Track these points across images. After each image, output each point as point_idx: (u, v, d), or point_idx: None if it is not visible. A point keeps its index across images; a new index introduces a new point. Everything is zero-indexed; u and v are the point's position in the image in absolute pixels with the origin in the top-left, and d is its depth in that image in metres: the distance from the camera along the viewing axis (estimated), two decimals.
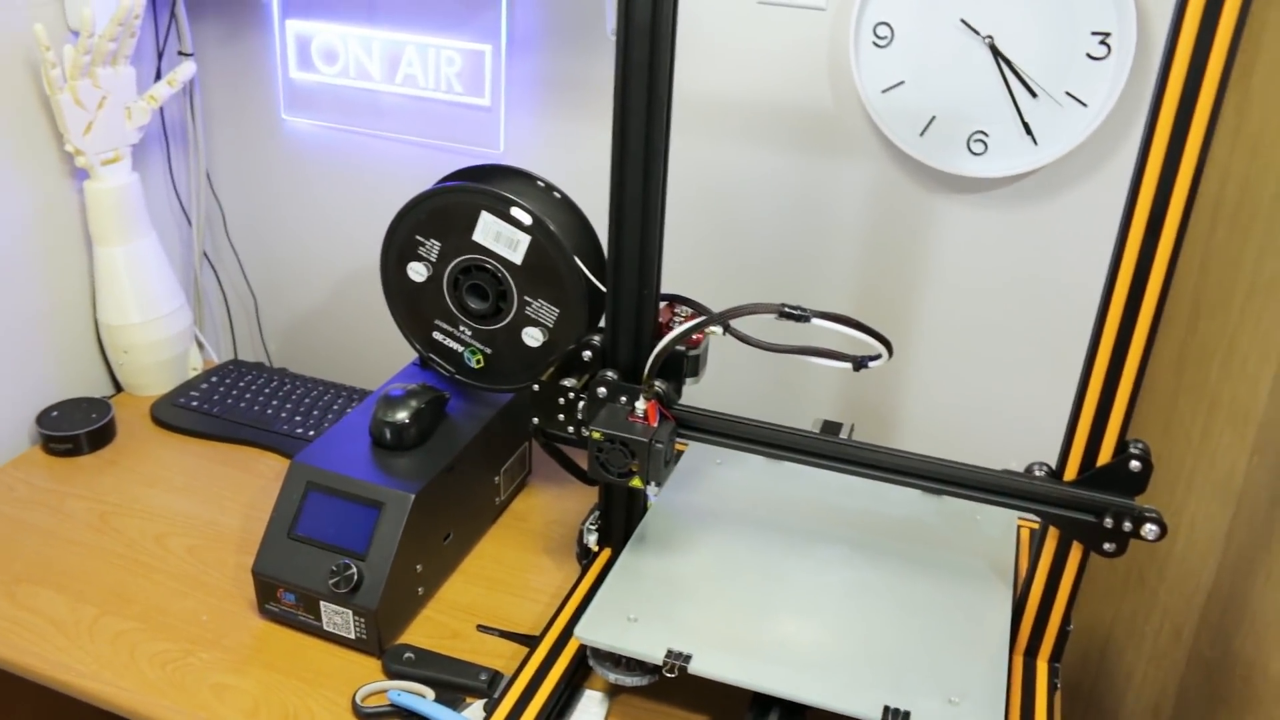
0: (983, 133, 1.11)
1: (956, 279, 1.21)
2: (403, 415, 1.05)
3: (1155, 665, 1.22)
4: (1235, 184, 1.07)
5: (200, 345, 1.45)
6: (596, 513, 1.06)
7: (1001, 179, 1.14)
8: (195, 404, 1.35)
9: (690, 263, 1.30)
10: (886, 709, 0.83)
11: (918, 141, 1.13)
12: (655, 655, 0.87)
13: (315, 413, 1.33)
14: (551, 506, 1.22)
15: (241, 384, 1.39)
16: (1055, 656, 0.98)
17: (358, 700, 0.94)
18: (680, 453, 1.16)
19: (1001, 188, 1.14)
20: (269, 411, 1.34)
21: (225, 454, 1.29)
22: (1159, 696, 1.21)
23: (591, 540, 1.06)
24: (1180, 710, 1.17)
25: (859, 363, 0.90)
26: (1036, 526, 0.95)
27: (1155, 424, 1.19)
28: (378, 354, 1.52)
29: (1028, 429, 1.25)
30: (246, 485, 1.23)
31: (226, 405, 1.35)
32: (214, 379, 1.40)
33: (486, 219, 1.03)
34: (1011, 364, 1.23)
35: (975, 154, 1.12)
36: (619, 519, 1.04)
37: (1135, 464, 0.87)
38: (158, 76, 1.38)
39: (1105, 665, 1.31)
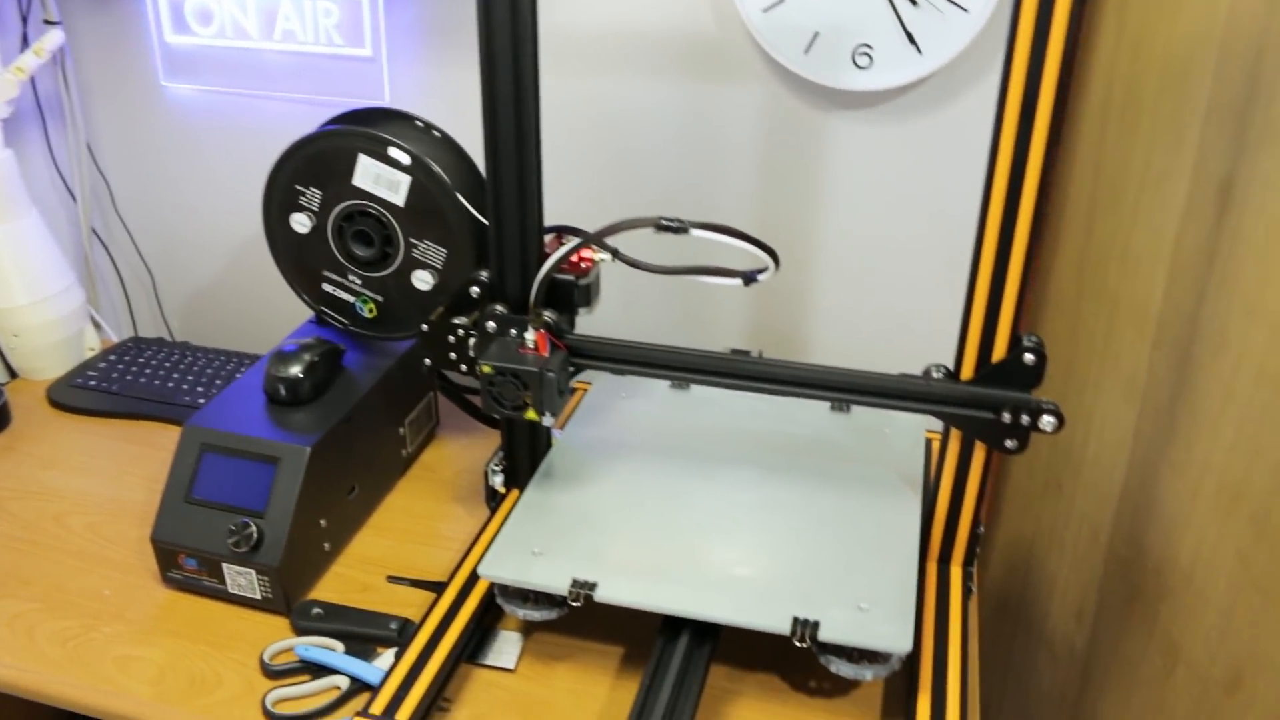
0: (867, 45, 1.10)
1: (852, 195, 1.20)
2: (296, 369, 1.03)
3: (1075, 571, 1.23)
4: (1121, 84, 1.07)
5: (97, 325, 1.41)
6: (501, 454, 1.04)
7: (889, 91, 1.13)
8: (94, 383, 1.31)
9: (585, 197, 1.28)
10: (795, 620, 0.82)
11: (803, 59, 1.12)
12: (560, 586, 0.86)
13: (219, 382, 1.30)
14: (461, 456, 1.20)
15: (141, 360, 1.35)
16: (968, 560, 0.99)
17: (265, 659, 0.92)
18: (585, 392, 1.14)
19: (890, 100, 1.14)
20: (170, 385, 1.30)
21: (126, 431, 1.25)
22: (1081, 601, 1.23)
23: (497, 482, 1.04)
24: (1101, 611, 1.19)
25: (748, 277, 0.89)
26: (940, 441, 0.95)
27: (1061, 331, 1.20)
28: (283, 320, 1.49)
29: (934, 341, 1.25)
30: (149, 459, 1.20)
31: (126, 382, 1.31)
32: (112, 357, 1.36)
33: (365, 162, 1.00)
34: (913, 276, 1.23)
35: (861, 68, 1.11)
36: (523, 458, 1.02)
37: (1029, 357, 0.87)
38: (24, 46, 1.33)
39: (1030, 577, 1.32)
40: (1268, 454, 0.92)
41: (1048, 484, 1.27)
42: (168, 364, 1.34)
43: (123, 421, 1.27)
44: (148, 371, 1.33)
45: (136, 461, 1.19)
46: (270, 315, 1.50)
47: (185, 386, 1.30)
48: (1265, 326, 0.91)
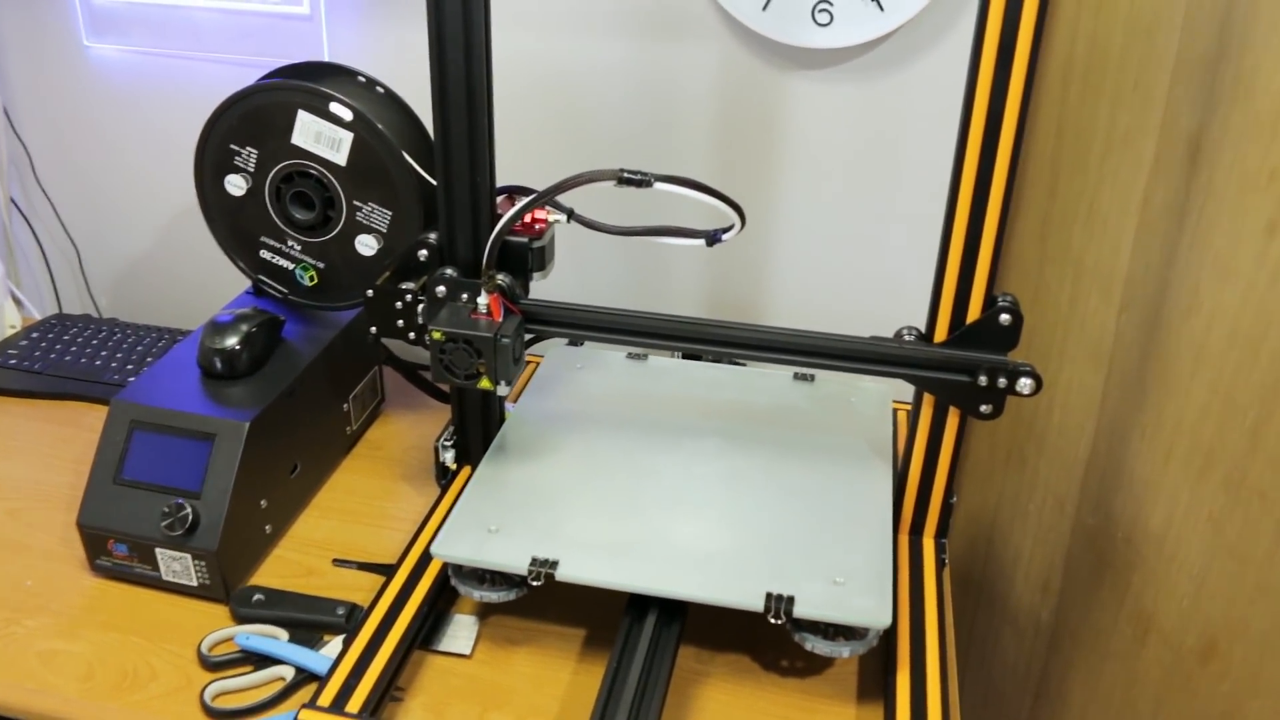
0: (827, 1, 1.06)
1: (814, 159, 1.16)
2: (232, 341, 0.97)
3: (1040, 542, 1.21)
4: (1084, 42, 1.05)
5: (17, 302, 1.34)
6: (451, 428, 0.99)
7: (850, 49, 1.09)
8: (14, 363, 1.24)
9: (537, 161, 1.23)
10: (770, 595, 0.79)
11: (761, 16, 1.08)
12: (519, 565, 0.81)
13: (150, 359, 1.23)
14: (408, 433, 1.14)
15: (66, 338, 1.28)
16: (941, 532, 0.96)
17: (204, 650, 0.87)
18: (537, 365, 1.09)
19: (851, 59, 1.10)
20: (98, 363, 1.23)
21: (50, 411, 1.18)
22: (1047, 572, 1.21)
23: (449, 458, 0.99)
24: (1068, 582, 1.17)
25: (711, 237, 0.85)
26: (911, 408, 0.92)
27: (1024, 296, 1.16)
28: (220, 296, 1.40)
29: (899, 306, 1.22)
30: (75, 440, 1.13)
31: (50, 361, 1.24)
32: (35, 335, 1.29)
33: (304, 118, 0.94)
34: (877, 241, 1.19)
35: (821, 25, 1.07)
36: (475, 432, 0.98)
37: (1005, 317, 0.84)
38: None
39: (993, 550, 1.30)
40: (1241, 416, 0.90)
41: (1010, 455, 1.24)
42: (95, 341, 1.27)
43: (46, 402, 1.19)
44: (73, 349, 1.26)
45: (62, 443, 1.12)
46: (206, 291, 1.42)
47: (114, 364, 1.23)
48: (1239, 285, 0.89)
